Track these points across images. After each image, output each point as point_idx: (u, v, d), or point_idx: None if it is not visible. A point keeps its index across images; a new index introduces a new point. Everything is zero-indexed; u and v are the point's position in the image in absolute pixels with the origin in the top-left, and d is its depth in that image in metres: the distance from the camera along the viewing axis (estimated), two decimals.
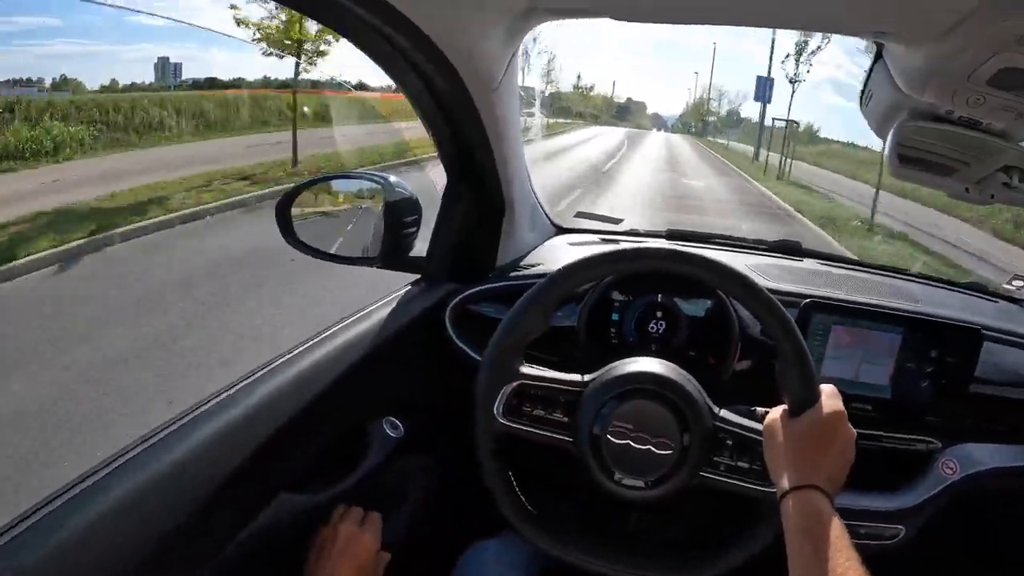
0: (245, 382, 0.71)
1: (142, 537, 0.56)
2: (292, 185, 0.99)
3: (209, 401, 0.67)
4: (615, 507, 0.85)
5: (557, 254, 1.11)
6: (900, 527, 0.92)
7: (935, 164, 0.81)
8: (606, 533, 0.82)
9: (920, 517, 0.93)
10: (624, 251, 0.74)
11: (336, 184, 1.04)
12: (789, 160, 15.05)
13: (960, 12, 0.56)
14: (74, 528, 0.52)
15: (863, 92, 0.84)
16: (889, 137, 0.80)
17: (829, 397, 0.65)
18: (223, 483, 0.63)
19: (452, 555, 0.89)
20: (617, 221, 1.32)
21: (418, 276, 1.00)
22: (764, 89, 19.42)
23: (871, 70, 0.79)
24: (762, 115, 20.26)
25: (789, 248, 1.21)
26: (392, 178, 0.97)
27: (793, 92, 18.33)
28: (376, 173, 0.99)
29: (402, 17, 0.62)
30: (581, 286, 0.90)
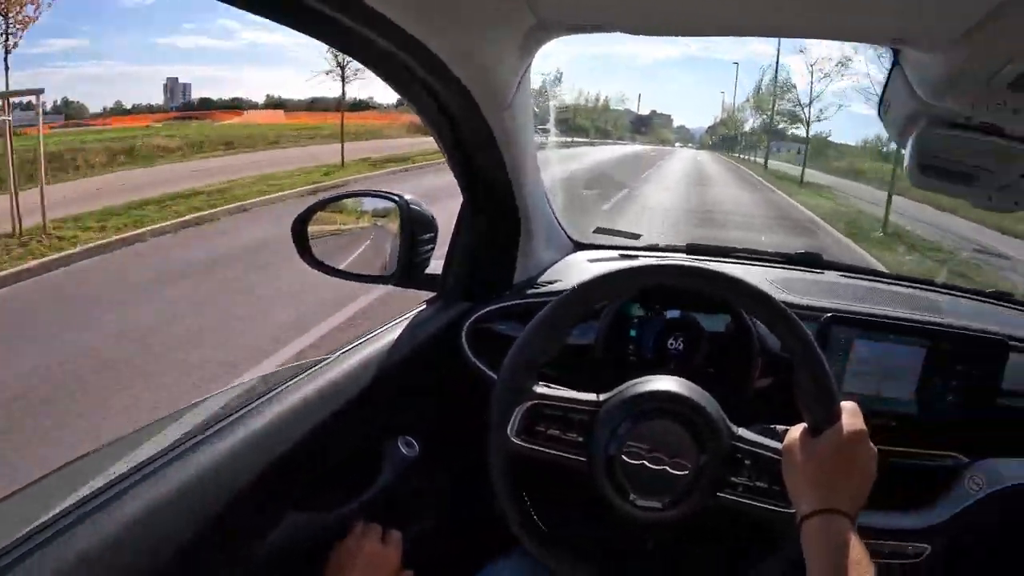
0: (261, 399, 0.71)
1: (152, 557, 0.54)
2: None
3: (223, 419, 0.67)
4: (631, 529, 0.83)
5: (575, 271, 1.10)
6: (926, 545, 0.90)
7: (957, 173, 0.79)
8: (622, 556, 0.80)
9: (946, 535, 0.90)
10: (637, 268, 0.72)
11: (351, 203, 1.04)
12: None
13: (977, 17, 0.55)
14: (81, 547, 0.50)
15: (881, 101, 0.82)
16: (908, 146, 0.79)
17: (850, 415, 0.63)
18: (234, 501, 0.62)
19: (465, 575, 0.88)
20: (636, 236, 1.31)
21: (434, 294, 1.00)
22: None
23: (888, 78, 0.77)
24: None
25: (810, 260, 1.18)
26: (408, 196, 0.97)
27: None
28: (392, 192, 0.99)
29: (412, 39, 0.63)
30: (597, 304, 0.90)
